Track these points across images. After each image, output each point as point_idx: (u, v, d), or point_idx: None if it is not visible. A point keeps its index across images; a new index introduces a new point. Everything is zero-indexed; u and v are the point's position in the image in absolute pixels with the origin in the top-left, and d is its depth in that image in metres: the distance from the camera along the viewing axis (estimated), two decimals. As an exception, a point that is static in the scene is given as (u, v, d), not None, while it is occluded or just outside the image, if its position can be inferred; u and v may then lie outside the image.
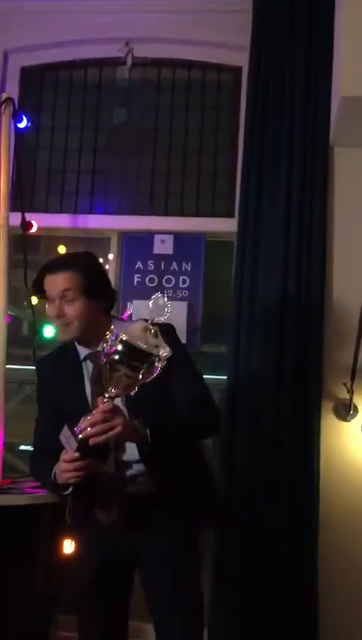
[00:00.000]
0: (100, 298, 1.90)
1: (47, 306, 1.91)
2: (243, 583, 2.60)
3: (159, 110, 3.22)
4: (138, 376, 1.61)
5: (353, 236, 2.79)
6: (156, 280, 3.04)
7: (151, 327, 1.61)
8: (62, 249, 3.22)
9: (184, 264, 3.04)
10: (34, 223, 3.01)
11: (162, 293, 2.89)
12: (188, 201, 3.16)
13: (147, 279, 3.05)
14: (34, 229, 3.01)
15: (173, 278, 3.04)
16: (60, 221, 3.16)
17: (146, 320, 1.62)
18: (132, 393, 1.66)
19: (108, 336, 1.64)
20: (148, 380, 1.62)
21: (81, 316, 1.86)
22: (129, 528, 1.83)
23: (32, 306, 2.97)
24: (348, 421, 2.69)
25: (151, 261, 3.05)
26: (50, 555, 2.35)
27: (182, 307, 2.99)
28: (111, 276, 3.09)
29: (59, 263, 1.91)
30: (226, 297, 2.89)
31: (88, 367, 1.93)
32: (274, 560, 2.58)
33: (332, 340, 2.72)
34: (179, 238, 3.06)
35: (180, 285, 3.03)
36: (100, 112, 3.25)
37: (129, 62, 3.19)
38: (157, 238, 3.06)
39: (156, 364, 1.61)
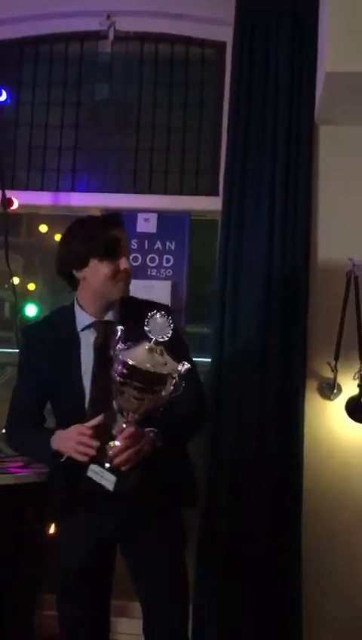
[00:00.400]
0: None
1: (105, 264, 1.83)
2: (227, 560, 2.63)
3: (142, 86, 3.16)
4: (158, 397, 1.62)
5: (337, 214, 2.78)
6: (140, 259, 3.01)
7: (155, 347, 1.59)
8: (43, 228, 3.19)
9: (168, 243, 3.01)
10: (15, 200, 2.98)
11: (146, 272, 2.96)
12: (172, 179, 3.12)
13: (130, 258, 3.00)
14: (15, 207, 2.97)
15: (156, 257, 3.01)
16: (42, 199, 3.11)
17: (149, 340, 1.60)
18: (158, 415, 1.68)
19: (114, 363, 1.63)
20: (172, 397, 1.63)
21: None
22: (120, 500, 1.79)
23: (14, 286, 2.94)
24: (332, 400, 2.71)
25: (135, 240, 3.02)
26: (35, 535, 2.35)
27: (165, 287, 2.97)
28: (94, 255, 3.06)
29: (121, 218, 1.91)
30: (211, 277, 2.87)
31: (87, 336, 1.89)
32: (259, 538, 2.60)
33: (317, 320, 2.72)
34: (163, 216, 3.02)
35: (164, 264, 3.01)
36: (82, 87, 3.19)
37: (111, 36, 3.12)
38: (140, 216, 3.03)
39: (174, 380, 1.61)
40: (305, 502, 2.62)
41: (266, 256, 2.71)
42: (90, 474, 1.71)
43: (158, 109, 3.15)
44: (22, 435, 1.98)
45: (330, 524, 2.66)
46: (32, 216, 3.20)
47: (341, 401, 2.69)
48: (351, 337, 2.66)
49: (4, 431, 2.07)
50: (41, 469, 2.17)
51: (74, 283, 1.92)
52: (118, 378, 1.60)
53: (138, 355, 1.60)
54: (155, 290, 2.97)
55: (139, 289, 2.91)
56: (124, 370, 1.59)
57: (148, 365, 1.58)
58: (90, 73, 3.20)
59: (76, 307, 1.93)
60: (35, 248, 3.27)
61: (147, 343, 1.60)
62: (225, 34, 2.98)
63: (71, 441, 1.74)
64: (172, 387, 1.61)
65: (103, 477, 1.68)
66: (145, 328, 1.59)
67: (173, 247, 3.01)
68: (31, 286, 3.18)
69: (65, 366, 1.88)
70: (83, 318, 1.90)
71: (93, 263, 1.84)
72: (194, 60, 3.17)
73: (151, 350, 1.59)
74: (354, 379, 2.63)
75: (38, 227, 3.19)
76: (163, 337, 1.59)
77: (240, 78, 2.82)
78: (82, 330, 1.90)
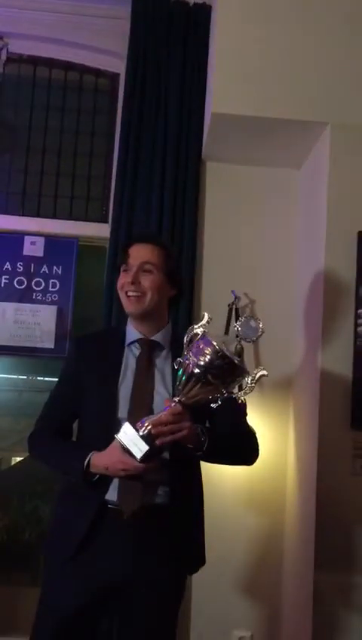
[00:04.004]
0: (173, 284, 1.94)
1: (121, 277, 1.92)
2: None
3: (34, 109, 3.15)
4: (224, 391, 1.63)
5: (221, 247, 2.88)
6: (25, 282, 2.97)
7: (240, 344, 1.60)
8: None
9: (55, 267, 2.99)
10: None
11: (31, 295, 2.92)
12: (62, 204, 3.12)
13: (15, 281, 2.96)
14: None
15: (42, 281, 2.98)
16: None
17: (236, 336, 1.61)
18: (214, 405, 1.67)
19: (186, 340, 1.66)
20: (231, 395, 1.66)
21: (155, 289, 1.88)
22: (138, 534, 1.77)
23: None
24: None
25: (21, 263, 2.97)
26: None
27: (51, 311, 2.94)
28: (-22, 277, 2.99)
29: (149, 235, 1.98)
30: (98, 303, 2.88)
31: (133, 351, 1.91)
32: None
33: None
34: (51, 240, 3.00)
35: (50, 289, 2.98)
36: (-28, 106, 3.14)
37: (3, 57, 3.10)
38: (27, 239, 2.99)
39: (250, 382, 1.64)
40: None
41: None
42: (120, 436, 1.64)
43: (50, 133, 3.14)
44: (50, 443, 1.94)
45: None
46: None
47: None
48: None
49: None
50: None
51: None
52: (196, 359, 1.61)
53: (228, 344, 1.65)
54: (41, 314, 2.94)
55: (24, 313, 2.93)
56: (207, 352, 1.60)
57: (235, 359, 1.61)
58: (-19, 92, 3.15)
59: (128, 323, 1.97)
60: None
61: (235, 339, 1.62)
62: (119, 66, 3.05)
63: (115, 464, 1.70)
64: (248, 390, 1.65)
65: (135, 444, 1.62)
66: (237, 326, 1.60)
67: (59, 272, 2.99)
68: None
69: (104, 378, 1.87)
70: (131, 334, 1.93)
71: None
72: (88, 87, 3.21)
73: (237, 345, 1.61)
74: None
75: None
76: (251, 340, 1.62)
77: (132, 109, 2.88)
78: (128, 344, 1.91)
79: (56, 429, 1.95)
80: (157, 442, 1.65)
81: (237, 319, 2.72)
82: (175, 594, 1.89)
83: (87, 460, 1.76)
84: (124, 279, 1.90)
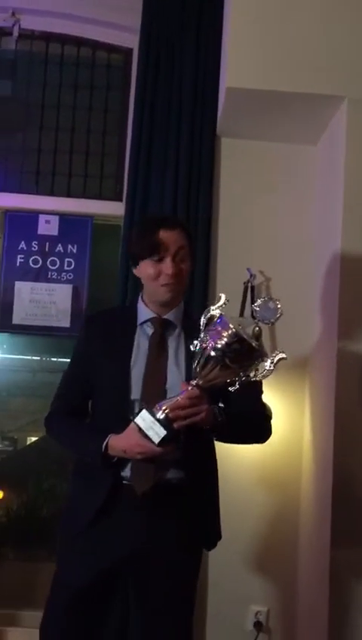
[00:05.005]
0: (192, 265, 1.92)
1: (150, 265, 1.83)
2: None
3: (47, 86, 3.12)
4: (242, 375, 1.62)
5: (236, 224, 2.86)
6: (40, 261, 2.97)
7: (258, 326, 1.59)
8: None
9: (70, 246, 2.99)
10: None
11: (46, 274, 2.92)
12: (76, 182, 3.10)
13: (30, 260, 2.96)
14: None
15: (57, 260, 2.98)
16: None
17: (254, 318, 1.60)
18: (231, 389, 1.66)
19: (202, 321, 1.65)
20: (249, 379, 1.65)
21: (188, 276, 1.88)
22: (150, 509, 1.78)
23: None
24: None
25: (36, 242, 2.97)
26: None
27: (66, 290, 2.95)
28: (-7, 256, 2.99)
29: (175, 220, 1.92)
30: (113, 281, 2.87)
31: (145, 330, 1.89)
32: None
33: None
34: (65, 219, 2.99)
35: (65, 268, 2.98)
36: (-16, 83, 3.12)
37: (15, 33, 3.06)
38: (41, 218, 2.99)
39: (268, 366, 1.62)
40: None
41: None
42: (138, 420, 1.64)
43: (62, 110, 3.12)
44: (67, 425, 1.94)
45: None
46: None
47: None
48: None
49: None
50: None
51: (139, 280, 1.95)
52: (213, 342, 1.60)
53: (245, 326, 1.63)
54: (56, 293, 2.94)
55: (40, 292, 2.94)
56: (225, 335, 1.59)
57: (253, 342, 1.60)
58: (-7, 69, 3.13)
59: (140, 302, 1.93)
60: None
61: (253, 322, 1.60)
62: (132, 41, 3.01)
63: (133, 447, 1.70)
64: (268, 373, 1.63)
65: (153, 428, 1.62)
66: (255, 307, 1.60)
67: (74, 251, 2.99)
68: None
69: (116, 357, 1.84)
70: (143, 313, 1.90)
71: (143, 264, 1.86)
72: (101, 64, 3.17)
73: (254, 327, 1.60)
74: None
75: None
76: (269, 322, 1.61)
77: (145, 85, 2.85)
78: (141, 323, 1.89)
79: (70, 410, 1.94)
80: (175, 425, 1.64)
81: (253, 298, 2.71)
82: (189, 568, 1.89)
83: (105, 442, 1.76)
84: (158, 269, 1.83)
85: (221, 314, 1.67)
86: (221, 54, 2.76)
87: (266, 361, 1.65)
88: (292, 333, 2.75)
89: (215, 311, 1.68)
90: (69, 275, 2.97)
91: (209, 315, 1.68)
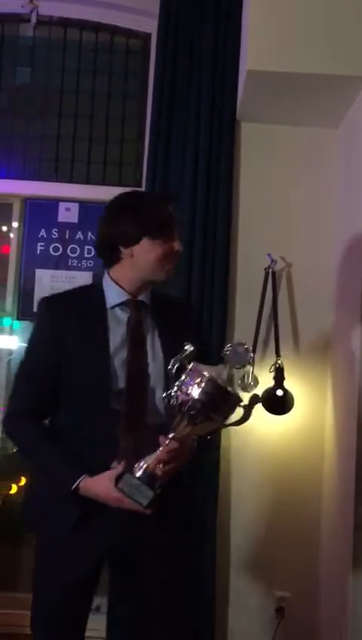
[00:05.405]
0: None
1: (159, 244, 1.72)
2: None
3: (65, 72, 3.11)
4: (223, 422, 1.60)
5: (257, 210, 2.83)
6: (60, 249, 2.97)
7: (231, 374, 1.57)
8: None
9: (90, 233, 2.99)
10: None
11: (66, 262, 2.93)
12: (95, 169, 3.09)
13: (51, 248, 2.97)
14: None
15: (77, 247, 2.98)
16: None
17: (224, 365, 1.56)
18: (209, 437, 1.63)
19: (171, 370, 1.57)
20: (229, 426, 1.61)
21: None
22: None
23: None
24: (249, 392, 2.76)
25: (56, 229, 2.98)
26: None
27: (87, 277, 2.95)
28: (14, 244, 3.00)
29: (175, 195, 1.87)
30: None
31: (116, 313, 1.76)
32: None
33: (236, 314, 2.77)
34: (85, 206, 2.99)
35: (85, 255, 2.98)
36: (2, 70, 3.10)
37: (33, 19, 3.05)
38: (61, 205, 2.99)
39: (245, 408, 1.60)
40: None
41: (187, 249, 2.72)
42: (121, 486, 1.57)
43: (81, 96, 3.11)
44: (37, 435, 1.76)
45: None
46: None
47: (257, 392, 2.75)
48: (268, 332, 2.73)
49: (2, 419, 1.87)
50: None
51: (112, 259, 1.78)
52: (187, 395, 1.55)
53: (220, 375, 1.57)
54: (77, 281, 2.95)
55: (60, 280, 2.95)
56: (202, 385, 1.54)
57: (229, 389, 1.56)
58: (12, 56, 3.12)
59: (108, 284, 1.78)
60: None
61: (225, 368, 1.57)
62: (150, 25, 2.98)
63: (115, 500, 1.61)
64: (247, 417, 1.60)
65: (140, 492, 1.56)
66: (225, 354, 1.57)
67: (94, 238, 2.97)
68: None
69: (91, 344, 1.71)
70: (115, 296, 1.76)
71: (145, 242, 1.72)
72: (119, 49, 3.15)
73: (230, 374, 1.57)
74: (270, 372, 2.69)
75: None
76: (239, 367, 1.59)
77: (164, 70, 2.82)
78: (112, 307, 1.76)
79: (34, 408, 1.76)
80: (160, 481, 1.58)
81: (274, 285, 2.70)
82: (179, 556, 1.80)
83: (76, 483, 1.65)
84: (167, 247, 1.73)
85: (192, 363, 1.58)
86: (241, 37, 2.72)
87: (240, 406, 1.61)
88: (314, 318, 2.75)
89: (184, 361, 1.59)
90: (89, 263, 2.98)
91: (177, 365, 1.59)
